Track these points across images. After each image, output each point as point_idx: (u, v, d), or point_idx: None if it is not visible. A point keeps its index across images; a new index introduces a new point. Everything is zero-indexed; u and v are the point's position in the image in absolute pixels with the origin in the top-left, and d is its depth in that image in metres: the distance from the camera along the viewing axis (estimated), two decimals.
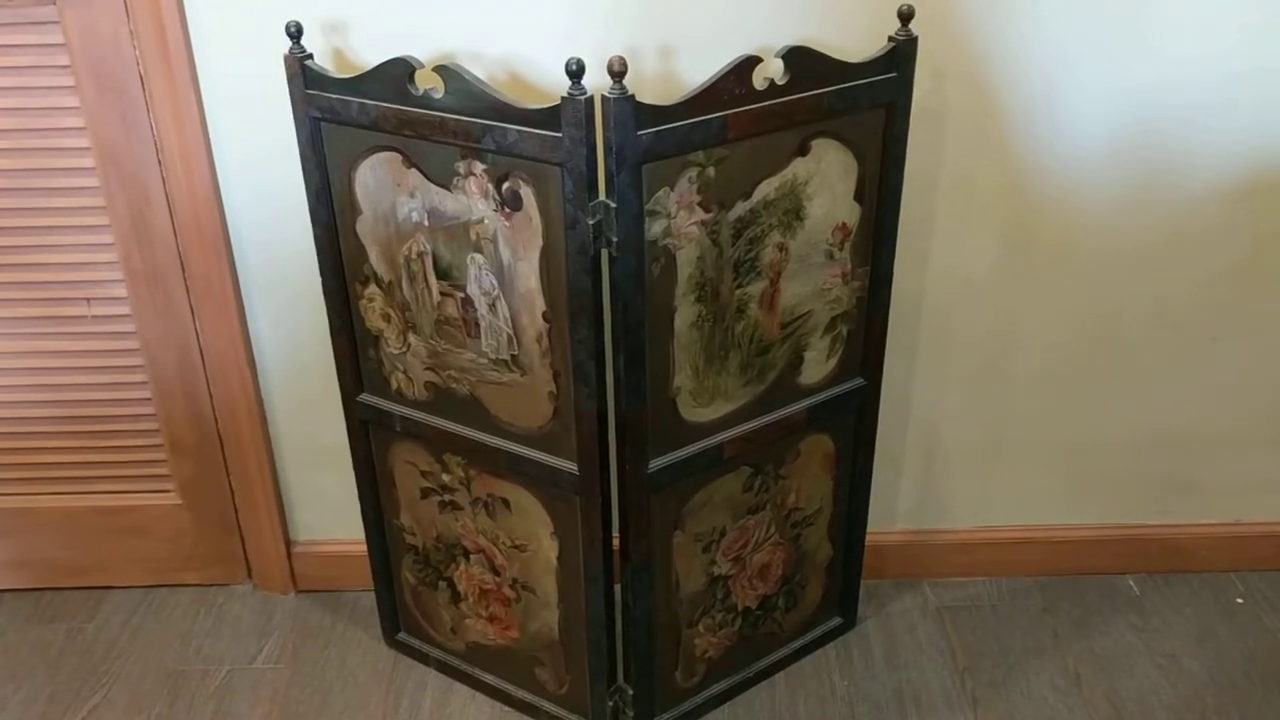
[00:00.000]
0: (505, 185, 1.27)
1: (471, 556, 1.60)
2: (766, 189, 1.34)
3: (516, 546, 1.54)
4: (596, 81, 1.18)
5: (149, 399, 1.75)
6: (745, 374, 1.45)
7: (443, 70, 1.25)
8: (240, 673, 1.75)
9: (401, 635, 1.78)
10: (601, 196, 1.23)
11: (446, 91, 1.26)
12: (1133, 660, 1.75)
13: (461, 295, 1.38)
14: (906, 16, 1.35)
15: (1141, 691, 1.69)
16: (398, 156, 1.34)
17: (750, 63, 1.25)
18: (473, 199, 1.31)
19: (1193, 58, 1.51)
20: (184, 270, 1.64)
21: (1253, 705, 1.66)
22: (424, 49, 1.41)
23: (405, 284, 1.43)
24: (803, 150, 1.35)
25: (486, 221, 1.31)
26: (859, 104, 1.36)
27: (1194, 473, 1.84)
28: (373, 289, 1.46)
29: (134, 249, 1.62)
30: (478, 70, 1.37)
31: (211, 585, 1.93)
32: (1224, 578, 1.90)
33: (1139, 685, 1.70)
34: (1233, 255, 1.65)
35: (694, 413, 1.42)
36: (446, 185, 1.32)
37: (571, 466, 1.41)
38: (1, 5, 1.46)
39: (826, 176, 1.39)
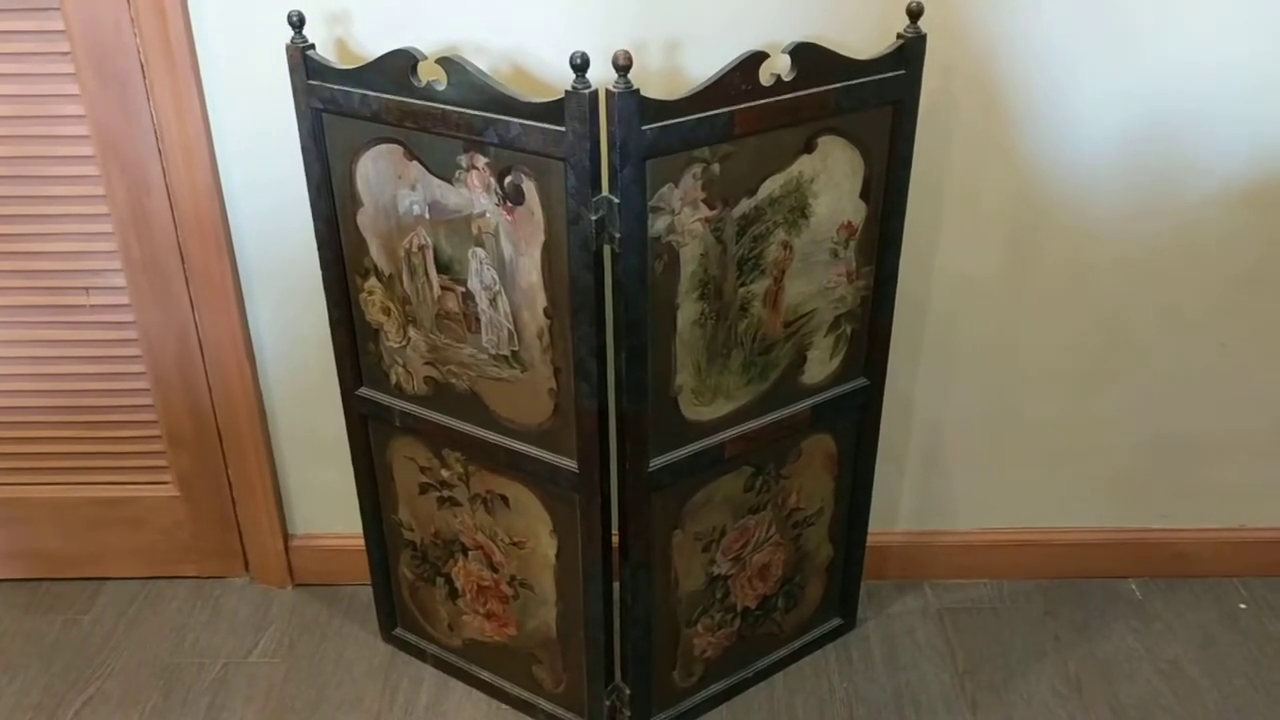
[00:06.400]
0: (508, 179, 1.26)
1: (470, 553, 1.60)
2: (771, 186, 1.33)
3: (515, 543, 1.53)
4: (601, 75, 1.16)
5: (147, 390, 1.74)
6: (747, 373, 1.44)
7: (446, 62, 1.24)
8: (236, 666, 1.75)
9: (398, 631, 1.77)
10: (605, 192, 1.22)
11: (449, 84, 1.25)
12: (1134, 665, 1.74)
13: (462, 289, 1.37)
14: (916, 13, 1.34)
15: (1142, 697, 1.68)
16: (399, 149, 1.33)
17: (757, 58, 1.23)
18: (475, 192, 1.30)
19: (1204, 62, 1.50)
20: (183, 261, 1.63)
21: (1255, 712, 1.65)
22: (427, 41, 1.40)
23: (406, 277, 1.42)
24: (809, 147, 1.33)
25: (488, 215, 1.30)
26: (866, 101, 1.35)
27: (1198, 477, 1.83)
28: (373, 282, 1.45)
29: (133, 239, 1.61)
30: (481, 63, 1.36)
31: (208, 578, 1.92)
32: (1227, 583, 1.89)
33: (1140, 690, 1.69)
34: (1242, 260, 1.64)
35: (695, 411, 1.41)
36: (448, 178, 1.31)
37: (571, 464, 1.39)
38: None
39: (832, 174, 1.37)
